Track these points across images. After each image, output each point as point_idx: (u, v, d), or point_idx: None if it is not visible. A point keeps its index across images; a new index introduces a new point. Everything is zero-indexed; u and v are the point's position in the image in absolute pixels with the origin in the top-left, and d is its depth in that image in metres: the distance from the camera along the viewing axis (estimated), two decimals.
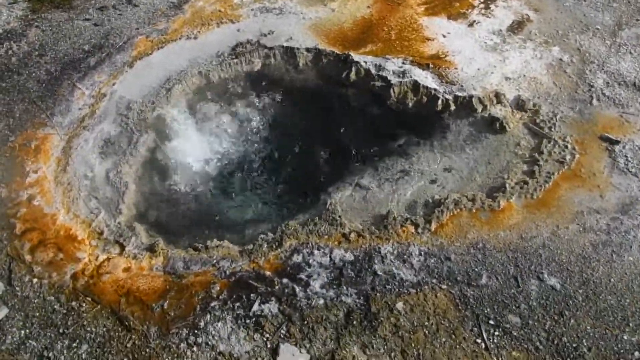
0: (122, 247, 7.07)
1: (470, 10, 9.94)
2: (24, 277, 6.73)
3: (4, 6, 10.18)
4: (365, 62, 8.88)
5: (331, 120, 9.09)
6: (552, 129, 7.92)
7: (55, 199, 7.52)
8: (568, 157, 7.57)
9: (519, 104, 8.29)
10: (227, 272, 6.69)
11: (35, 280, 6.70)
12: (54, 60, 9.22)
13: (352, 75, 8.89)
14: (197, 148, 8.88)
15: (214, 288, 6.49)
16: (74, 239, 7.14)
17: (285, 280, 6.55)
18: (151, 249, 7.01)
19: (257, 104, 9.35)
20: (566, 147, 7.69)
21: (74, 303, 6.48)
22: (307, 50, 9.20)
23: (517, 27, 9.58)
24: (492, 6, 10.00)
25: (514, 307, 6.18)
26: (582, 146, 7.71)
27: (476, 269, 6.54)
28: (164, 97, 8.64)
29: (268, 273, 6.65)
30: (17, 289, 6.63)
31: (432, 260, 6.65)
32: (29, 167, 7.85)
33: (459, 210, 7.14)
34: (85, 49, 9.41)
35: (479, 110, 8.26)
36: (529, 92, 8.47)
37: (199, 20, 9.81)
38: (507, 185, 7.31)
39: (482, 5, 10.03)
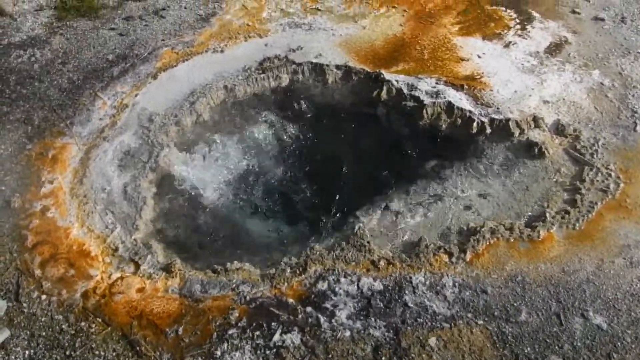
0: (137, 266, 6.58)
1: (506, 31, 9.46)
2: (32, 293, 6.28)
3: (30, 12, 9.90)
4: (397, 81, 8.41)
5: (360, 140, 8.62)
6: (594, 156, 7.37)
7: (69, 212, 7.08)
8: (612, 186, 7.02)
9: (559, 129, 7.76)
10: (247, 298, 6.17)
11: (44, 296, 6.25)
12: (77, 69, 8.87)
13: (383, 95, 8.42)
14: (220, 164, 8.43)
15: (232, 314, 5.97)
16: (87, 254, 6.68)
17: (309, 309, 6.01)
18: (167, 269, 6.51)
19: (284, 121, 8.91)
20: (610, 175, 7.14)
21: (83, 323, 6.01)
22: (337, 67, 8.76)
23: (555, 49, 9.08)
24: (529, 27, 9.52)
25: (556, 347, 5.61)
26: (626, 175, 7.15)
27: (515, 304, 5.98)
28: (188, 110, 8.20)
29: (291, 300, 6.12)
30: (25, 305, 6.17)
31: (468, 293, 6.10)
32: (45, 177, 7.44)
33: (495, 239, 6.59)
34: (109, 59, 9.05)
35: (516, 134, 7.73)
36: (569, 116, 7.94)
37: (226, 34, 9.43)
38: (548, 215, 6.76)
39: (518, 26, 9.56)
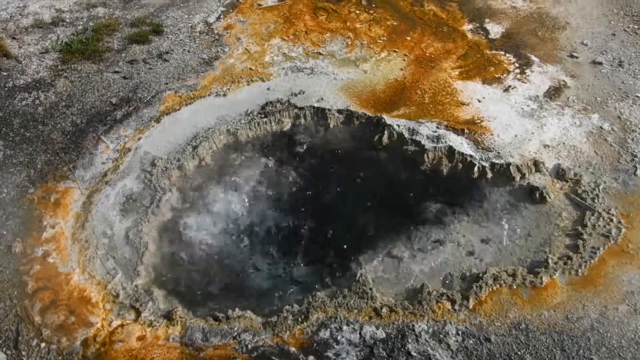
0: (138, 313, 6.56)
1: (505, 75, 9.57)
2: (31, 341, 6.26)
3: (35, 55, 10.02)
4: (398, 126, 8.49)
5: (362, 185, 8.62)
6: (595, 201, 7.41)
7: (71, 257, 7.08)
8: (614, 231, 7.05)
9: (559, 173, 7.81)
10: (249, 347, 6.14)
11: (43, 344, 6.23)
12: (81, 112, 8.95)
13: (385, 139, 8.49)
14: (222, 209, 8.43)
15: None
16: (87, 301, 6.66)
17: (311, 358, 5.97)
18: (168, 317, 6.48)
19: (286, 165, 8.93)
20: (611, 220, 7.18)
21: None
22: (339, 111, 8.85)
23: (554, 93, 9.18)
24: (528, 71, 9.63)
25: None
26: (628, 219, 7.18)
27: (519, 353, 5.97)
28: (190, 154, 8.24)
29: (293, 349, 6.10)
30: (24, 353, 6.15)
31: (471, 341, 6.08)
32: (47, 222, 7.46)
33: (498, 286, 6.59)
34: (112, 102, 9.14)
35: (517, 178, 7.79)
36: (569, 160, 7.99)
37: (229, 78, 9.54)
38: (550, 261, 6.78)
39: (517, 70, 9.67)
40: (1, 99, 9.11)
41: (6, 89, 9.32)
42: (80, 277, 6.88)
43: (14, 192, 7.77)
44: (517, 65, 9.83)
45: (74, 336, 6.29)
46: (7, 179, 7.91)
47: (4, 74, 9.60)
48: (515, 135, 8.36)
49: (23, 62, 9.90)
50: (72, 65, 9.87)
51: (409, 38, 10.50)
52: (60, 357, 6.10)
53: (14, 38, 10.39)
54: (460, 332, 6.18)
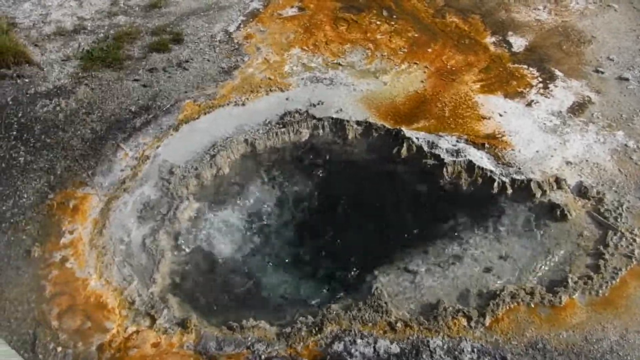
0: (153, 320, 6.72)
1: (528, 89, 9.67)
2: (48, 344, 6.44)
3: (57, 62, 10.33)
4: (418, 139, 8.63)
5: (379, 198, 8.74)
6: (618, 220, 7.47)
7: (88, 263, 7.28)
8: (637, 251, 7.09)
9: (582, 191, 7.87)
10: (262, 357, 6.27)
11: (59, 348, 6.41)
12: (100, 119, 9.20)
13: (403, 152, 8.61)
14: (239, 219, 8.61)
15: None
16: (103, 307, 6.85)
17: None
18: (183, 325, 6.64)
19: (303, 176, 9.09)
20: (634, 240, 7.22)
21: None
22: (358, 123, 8.99)
23: (578, 108, 9.26)
24: (551, 86, 9.72)
25: None
26: None
27: None
28: (208, 163, 8.45)
29: None
30: (40, 357, 6.33)
31: (487, 359, 6.14)
32: (65, 228, 7.67)
33: (516, 303, 6.65)
34: (132, 110, 9.39)
35: (538, 195, 7.87)
36: (592, 178, 8.06)
37: (248, 87, 9.74)
38: (570, 280, 6.82)
39: (540, 85, 9.77)
40: (23, 105, 9.40)
41: (28, 95, 9.61)
42: (97, 283, 7.07)
43: (34, 197, 8.01)
44: (540, 79, 9.92)
45: (90, 341, 6.47)
46: (27, 184, 8.16)
47: (26, 80, 9.91)
48: (537, 151, 8.44)
49: (45, 69, 10.20)
50: (93, 73, 10.14)
51: (430, 50, 10.64)
52: None
53: (36, 45, 10.72)
54: (475, 350, 6.25)
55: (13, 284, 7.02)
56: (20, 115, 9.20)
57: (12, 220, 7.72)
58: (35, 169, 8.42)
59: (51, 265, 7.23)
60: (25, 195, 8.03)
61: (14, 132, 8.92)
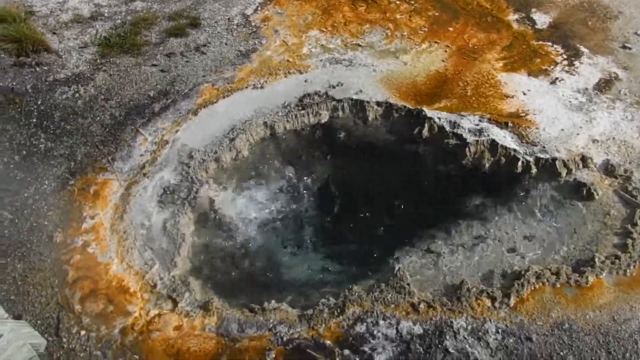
0: (175, 303, 6.81)
1: (552, 67, 9.54)
2: (72, 328, 6.55)
3: (75, 50, 10.42)
4: (439, 119, 8.56)
5: (401, 178, 8.73)
6: None
7: (109, 248, 7.38)
8: None
9: (608, 169, 7.78)
10: (284, 339, 6.33)
11: (83, 332, 6.52)
12: (119, 105, 9.28)
13: (425, 132, 8.56)
14: (258, 202, 8.66)
15: (269, 355, 6.14)
16: (125, 290, 6.95)
17: (346, 352, 6.13)
18: (205, 307, 6.72)
19: (323, 158, 9.10)
20: None
21: None
22: (378, 104, 8.94)
23: (604, 85, 9.12)
24: (577, 63, 9.58)
25: None
26: None
27: (561, 353, 5.99)
28: (227, 147, 8.49)
29: (328, 342, 6.25)
30: (64, 340, 6.45)
31: (511, 340, 6.13)
32: (86, 213, 7.78)
33: (541, 284, 6.61)
34: (150, 95, 9.45)
35: (563, 174, 7.78)
36: (619, 156, 7.95)
37: (266, 70, 9.74)
38: (597, 260, 6.76)
39: (565, 62, 9.63)
40: (42, 92, 9.50)
41: (47, 82, 9.71)
42: (118, 267, 7.18)
43: (55, 183, 8.12)
44: (565, 56, 9.78)
45: (113, 324, 6.58)
46: (48, 170, 8.27)
47: (45, 68, 10.01)
48: (562, 129, 8.34)
49: (63, 57, 10.30)
50: (111, 59, 10.22)
51: (451, 29, 10.55)
52: (99, 345, 6.38)
53: (54, 33, 10.82)
54: (500, 330, 6.24)
55: (36, 269, 7.14)
56: (39, 102, 9.30)
57: (34, 207, 7.84)
58: (56, 155, 8.52)
59: (73, 250, 7.34)
60: (47, 182, 8.15)
61: (34, 120, 9.03)
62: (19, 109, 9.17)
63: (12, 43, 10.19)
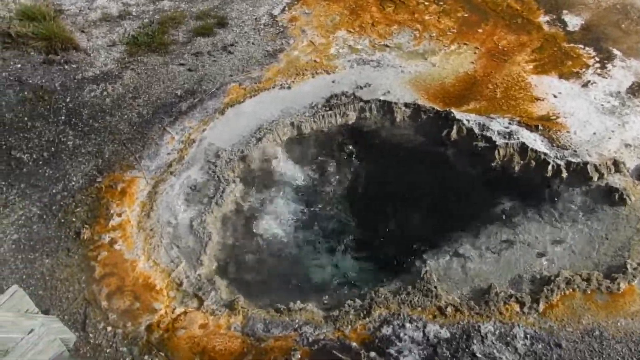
0: (201, 302, 6.87)
1: (584, 70, 9.44)
2: (98, 324, 6.65)
3: (103, 48, 10.57)
4: (468, 121, 8.52)
5: (428, 181, 8.71)
6: None
7: (136, 245, 7.47)
8: None
9: None
10: (310, 339, 6.34)
11: (109, 328, 6.61)
12: (147, 104, 9.39)
13: (453, 134, 8.52)
14: (284, 203, 8.70)
15: (294, 356, 6.16)
16: (152, 288, 7.03)
17: (372, 354, 6.13)
18: (230, 306, 6.77)
19: (350, 159, 9.12)
20: None
21: (146, 357, 6.33)
22: (406, 105, 8.92)
23: (638, 89, 8.99)
24: (609, 66, 9.47)
25: None
26: None
27: None
28: (254, 146, 8.54)
29: (354, 344, 6.26)
30: (91, 335, 6.54)
31: (540, 346, 6.08)
32: (113, 210, 7.87)
33: (571, 290, 6.54)
34: (177, 94, 9.55)
35: (595, 178, 7.69)
36: None
37: (293, 70, 9.79)
38: (629, 266, 6.66)
39: (597, 65, 9.52)
40: (71, 90, 9.65)
41: (75, 81, 9.86)
42: (145, 265, 7.26)
43: (83, 180, 8.24)
44: (597, 59, 9.67)
45: (139, 321, 6.66)
46: (76, 167, 8.40)
47: (74, 66, 10.16)
48: (594, 133, 8.25)
49: (91, 55, 10.45)
50: (139, 58, 10.34)
51: (480, 30, 10.50)
52: (125, 341, 6.46)
53: (83, 31, 10.98)
54: (528, 336, 6.19)
55: (64, 264, 7.25)
56: (68, 100, 9.45)
57: (62, 203, 7.96)
58: (84, 152, 8.64)
59: (100, 247, 7.44)
60: (75, 179, 8.27)
61: (63, 117, 9.17)
62: (48, 106, 9.32)
63: (42, 41, 10.37)
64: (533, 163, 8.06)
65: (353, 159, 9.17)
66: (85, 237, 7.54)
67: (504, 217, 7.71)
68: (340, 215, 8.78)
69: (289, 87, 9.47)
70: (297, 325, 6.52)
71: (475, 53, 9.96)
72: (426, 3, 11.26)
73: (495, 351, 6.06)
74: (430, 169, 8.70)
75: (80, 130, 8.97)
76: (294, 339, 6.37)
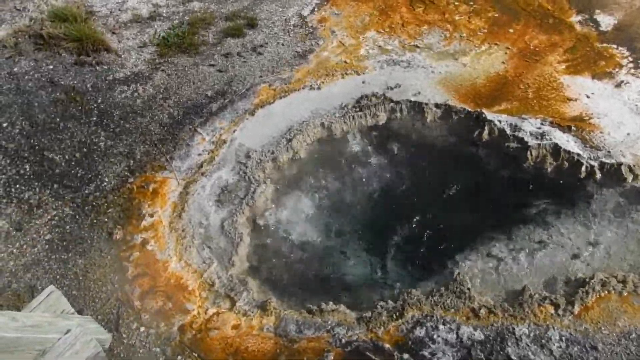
0: (233, 302, 6.93)
1: (617, 70, 9.34)
2: (131, 324, 6.73)
3: (134, 49, 10.70)
4: (500, 121, 8.48)
5: (460, 181, 8.69)
6: None
7: (168, 245, 7.55)
8: None
9: None
10: (343, 341, 6.37)
11: (142, 328, 6.69)
12: (177, 105, 9.48)
13: (485, 135, 8.49)
14: (316, 203, 8.74)
15: (327, 357, 6.19)
16: (184, 288, 7.10)
17: (406, 356, 6.13)
18: (263, 307, 6.82)
19: (382, 161, 9.12)
20: None
21: (179, 358, 6.39)
22: (436, 105, 8.91)
23: None
24: None
25: None
26: None
27: None
28: (284, 147, 8.59)
29: (387, 346, 6.27)
30: (124, 336, 6.62)
31: (576, 349, 6.03)
32: (145, 211, 7.97)
33: (606, 292, 6.48)
34: (208, 95, 9.63)
35: (629, 179, 7.61)
36: None
37: (323, 71, 9.82)
38: None
39: (631, 65, 9.41)
40: (102, 91, 9.78)
41: (107, 82, 9.99)
42: (177, 265, 7.34)
43: (115, 181, 8.35)
44: (630, 59, 9.56)
45: (172, 322, 6.73)
46: (108, 168, 8.51)
47: (105, 67, 10.30)
48: (628, 134, 8.17)
49: (122, 56, 10.58)
50: (169, 59, 10.45)
51: (511, 30, 10.44)
52: (158, 342, 6.54)
53: (113, 32, 11.13)
54: (564, 339, 6.15)
55: (97, 265, 7.35)
56: (99, 101, 9.57)
57: (94, 204, 8.07)
58: (115, 153, 8.75)
59: (132, 247, 7.54)
60: (107, 179, 8.38)
61: (94, 118, 9.29)
62: (80, 107, 9.45)
63: (73, 42, 10.52)
64: (566, 164, 8.00)
65: (383, 160, 9.16)
66: (118, 237, 7.64)
67: (537, 218, 7.68)
68: (371, 215, 8.79)
69: (319, 88, 9.50)
70: (329, 327, 6.54)
71: (506, 53, 9.90)
72: (456, 3, 11.22)
73: (530, 354, 6.03)
74: (462, 170, 8.68)
75: (111, 131, 9.09)
76: (327, 340, 6.40)
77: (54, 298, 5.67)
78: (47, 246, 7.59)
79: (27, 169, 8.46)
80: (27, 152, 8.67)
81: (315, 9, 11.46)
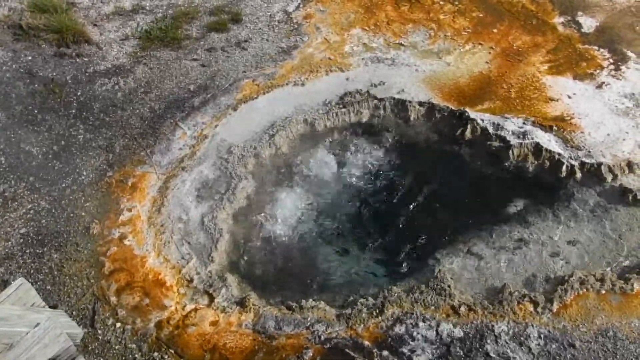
0: (212, 298, 6.87)
1: (598, 71, 9.40)
2: (107, 320, 6.64)
3: (115, 42, 10.59)
4: (482, 120, 8.50)
5: (442, 180, 8.70)
6: None
7: (146, 241, 7.47)
8: None
9: None
10: (322, 338, 6.33)
11: (118, 324, 6.60)
12: (159, 98, 9.40)
13: (467, 133, 8.51)
14: (297, 199, 8.69)
15: (306, 354, 6.14)
16: (162, 284, 7.02)
17: (385, 353, 6.11)
18: (242, 304, 6.76)
19: (362, 158, 9.11)
20: None
21: (156, 354, 6.32)
22: (420, 103, 8.91)
23: None
24: (624, 67, 9.43)
25: None
26: None
27: None
28: (267, 143, 8.54)
29: (367, 343, 6.24)
30: (99, 332, 6.53)
31: (554, 346, 6.06)
32: (124, 205, 7.88)
33: (585, 290, 6.52)
34: (190, 89, 9.56)
35: (609, 179, 7.66)
36: None
37: (307, 67, 9.78)
38: None
39: (611, 67, 9.48)
40: (82, 84, 9.67)
41: (87, 74, 9.88)
42: (155, 261, 7.26)
43: (93, 174, 8.26)
44: (611, 61, 9.63)
45: (148, 318, 6.65)
46: (86, 162, 8.41)
47: (85, 59, 10.19)
48: (608, 134, 8.22)
49: (103, 49, 10.47)
50: (151, 52, 10.36)
51: (495, 30, 10.47)
52: (134, 338, 6.46)
53: (95, 25, 11.00)
54: (542, 336, 6.17)
55: (73, 259, 7.26)
56: (79, 93, 9.47)
57: (71, 197, 7.98)
58: (94, 146, 8.66)
59: (110, 242, 7.45)
60: (85, 173, 8.28)
61: (74, 111, 9.19)
62: (59, 100, 9.35)
63: (53, 34, 10.41)
64: (547, 163, 8.04)
65: (366, 158, 9.14)
66: (95, 232, 7.55)
67: (517, 216, 7.70)
68: (352, 212, 8.77)
69: (303, 84, 9.46)
70: (309, 323, 6.50)
71: (490, 53, 9.93)
72: (441, 2, 11.23)
73: (509, 351, 6.05)
74: (444, 167, 8.69)
75: (91, 124, 8.99)
76: (306, 337, 6.36)
77: (23, 291, 5.54)
78: (21, 240, 7.49)
79: (3, 162, 8.34)
80: (2, 144, 8.55)
81: (301, 5, 11.41)
